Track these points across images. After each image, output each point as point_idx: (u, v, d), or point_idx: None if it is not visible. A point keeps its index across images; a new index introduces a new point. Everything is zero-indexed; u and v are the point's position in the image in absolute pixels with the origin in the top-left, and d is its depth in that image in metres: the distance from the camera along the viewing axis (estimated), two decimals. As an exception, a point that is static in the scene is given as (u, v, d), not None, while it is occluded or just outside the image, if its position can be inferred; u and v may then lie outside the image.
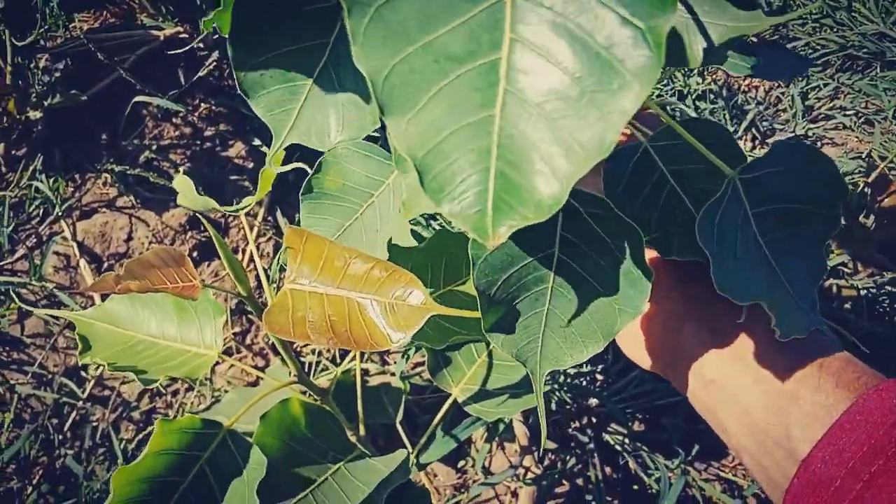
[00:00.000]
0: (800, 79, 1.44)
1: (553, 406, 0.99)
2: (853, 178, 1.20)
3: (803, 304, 0.39)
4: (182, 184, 0.68)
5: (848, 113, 1.38)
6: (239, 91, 0.34)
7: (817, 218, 0.39)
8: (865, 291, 1.07)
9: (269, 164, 0.40)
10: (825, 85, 1.42)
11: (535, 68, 0.24)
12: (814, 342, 0.41)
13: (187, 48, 1.19)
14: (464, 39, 0.24)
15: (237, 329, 1.05)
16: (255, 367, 1.00)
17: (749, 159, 0.40)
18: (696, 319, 0.45)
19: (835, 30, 1.46)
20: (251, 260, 1.10)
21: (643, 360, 0.49)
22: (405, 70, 0.24)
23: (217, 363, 0.79)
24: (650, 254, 0.42)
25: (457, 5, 0.24)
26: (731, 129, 1.41)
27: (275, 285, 1.06)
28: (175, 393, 1.01)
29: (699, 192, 0.43)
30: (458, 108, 0.24)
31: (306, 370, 1.00)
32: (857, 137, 1.34)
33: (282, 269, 1.08)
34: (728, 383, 0.42)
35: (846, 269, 1.08)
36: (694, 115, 1.31)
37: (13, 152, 1.15)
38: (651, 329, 0.47)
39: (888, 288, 1.08)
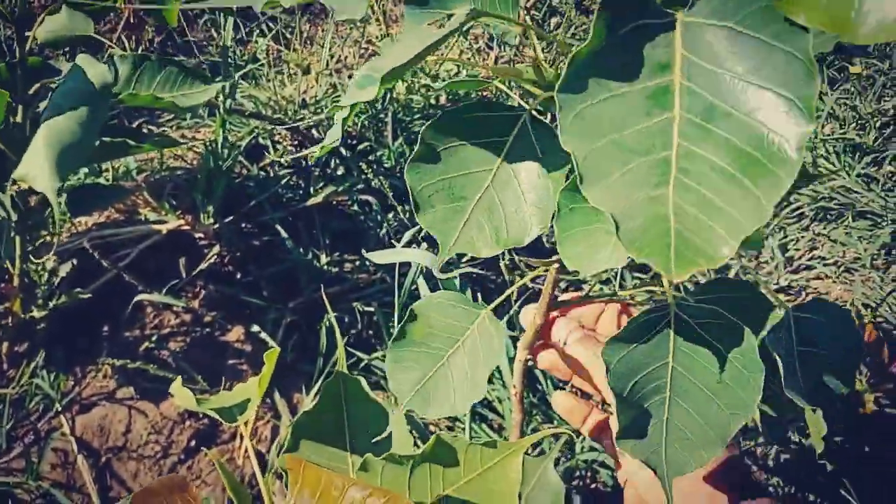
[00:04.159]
0: (777, 230, 1.50)
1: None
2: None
3: None
4: (179, 391, 0.69)
5: (827, 262, 1.43)
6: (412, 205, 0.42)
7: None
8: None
9: (436, 268, 0.47)
10: (802, 237, 1.48)
11: (699, 165, 0.30)
12: None
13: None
14: (643, 139, 0.31)
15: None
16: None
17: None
18: None
19: (803, 184, 1.54)
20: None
21: None
22: (598, 156, 0.31)
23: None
24: None
25: (638, 118, 0.31)
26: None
27: (273, 472, 1.05)
28: None
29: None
30: (639, 185, 0.31)
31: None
32: (839, 287, 1.38)
33: (280, 452, 1.07)
34: None
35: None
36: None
37: (16, 349, 1.17)
38: None
39: None
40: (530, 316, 0.58)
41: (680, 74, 0.31)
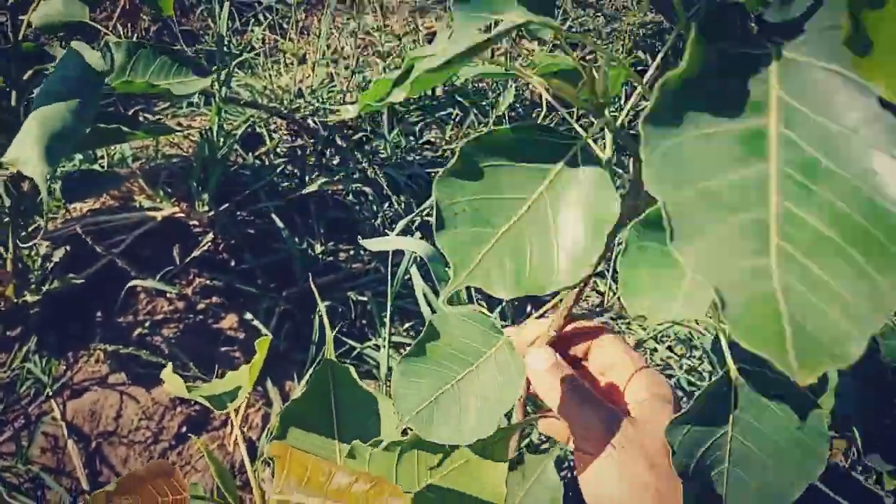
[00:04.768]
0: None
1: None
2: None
3: None
4: (169, 378, 0.69)
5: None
6: (433, 224, 0.38)
7: None
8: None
9: (443, 299, 0.43)
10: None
11: (804, 232, 0.24)
12: None
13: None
14: (736, 192, 0.25)
15: None
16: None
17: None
18: None
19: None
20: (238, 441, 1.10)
21: None
22: (689, 207, 0.25)
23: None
24: None
25: (731, 164, 0.25)
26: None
27: (263, 459, 1.06)
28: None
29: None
30: (735, 250, 0.25)
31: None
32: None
33: (269, 439, 1.08)
34: None
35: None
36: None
37: (8, 334, 1.17)
38: None
39: None
40: (542, 326, 0.56)
41: (776, 119, 0.26)
